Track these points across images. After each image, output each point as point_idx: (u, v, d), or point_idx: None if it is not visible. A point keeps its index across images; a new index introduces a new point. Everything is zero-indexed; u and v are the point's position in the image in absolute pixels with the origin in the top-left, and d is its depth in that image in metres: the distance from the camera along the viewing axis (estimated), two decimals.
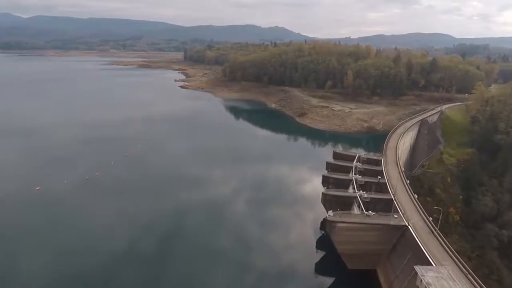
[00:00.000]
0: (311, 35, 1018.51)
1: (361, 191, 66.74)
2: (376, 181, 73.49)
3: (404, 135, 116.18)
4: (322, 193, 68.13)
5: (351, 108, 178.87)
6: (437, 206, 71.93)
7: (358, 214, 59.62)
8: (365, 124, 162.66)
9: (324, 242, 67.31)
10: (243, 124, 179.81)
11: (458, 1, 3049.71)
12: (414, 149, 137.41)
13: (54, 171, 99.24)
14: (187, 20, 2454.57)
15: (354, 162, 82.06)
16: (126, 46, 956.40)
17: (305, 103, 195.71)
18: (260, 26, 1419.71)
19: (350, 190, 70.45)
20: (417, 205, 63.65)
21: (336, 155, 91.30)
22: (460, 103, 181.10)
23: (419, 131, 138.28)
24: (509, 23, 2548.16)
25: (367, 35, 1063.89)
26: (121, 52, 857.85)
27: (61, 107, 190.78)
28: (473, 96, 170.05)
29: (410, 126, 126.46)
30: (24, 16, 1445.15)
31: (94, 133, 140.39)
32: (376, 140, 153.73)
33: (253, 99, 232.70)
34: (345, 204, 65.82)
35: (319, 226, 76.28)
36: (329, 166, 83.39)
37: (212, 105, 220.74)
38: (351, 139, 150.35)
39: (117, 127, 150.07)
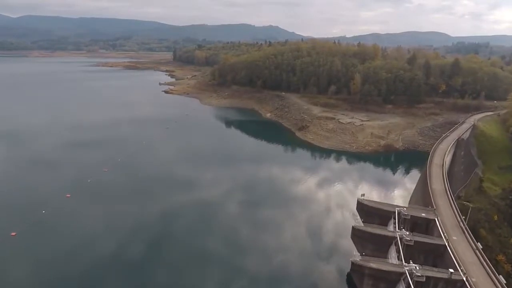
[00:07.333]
0: (305, 34, 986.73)
1: None
2: (445, 277, 43.00)
3: (444, 166, 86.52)
4: None
5: (362, 120, 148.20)
6: (483, 253, 48.59)
7: None
8: (382, 142, 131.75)
9: None
10: (229, 143, 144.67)
11: None
12: (448, 176, 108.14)
13: None
14: (180, 20, 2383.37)
15: (396, 229, 51.96)
16: (115, 46, 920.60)
17: (305, 113, 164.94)
18: (254, 25, 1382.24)
19: None
20: None
21: (362, 208, 61.30)
22: (491, 112, 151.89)
23: (454, 154, 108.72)
24: (500, 22, 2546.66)
25: (362, 34, 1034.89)
26: (110, 52, 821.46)
27: None
28: (509, 104, 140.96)
29: (446, 152, 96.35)
30: (13, 16, 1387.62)
31: (24, 165, 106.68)
32: (398, 163, 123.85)
33: (245, 107, 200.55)
34: None
35: None
36: (358, 235, 53.27)
37: (195, 115, 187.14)
38: (368, 163, 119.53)
39: (55, 157, 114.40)
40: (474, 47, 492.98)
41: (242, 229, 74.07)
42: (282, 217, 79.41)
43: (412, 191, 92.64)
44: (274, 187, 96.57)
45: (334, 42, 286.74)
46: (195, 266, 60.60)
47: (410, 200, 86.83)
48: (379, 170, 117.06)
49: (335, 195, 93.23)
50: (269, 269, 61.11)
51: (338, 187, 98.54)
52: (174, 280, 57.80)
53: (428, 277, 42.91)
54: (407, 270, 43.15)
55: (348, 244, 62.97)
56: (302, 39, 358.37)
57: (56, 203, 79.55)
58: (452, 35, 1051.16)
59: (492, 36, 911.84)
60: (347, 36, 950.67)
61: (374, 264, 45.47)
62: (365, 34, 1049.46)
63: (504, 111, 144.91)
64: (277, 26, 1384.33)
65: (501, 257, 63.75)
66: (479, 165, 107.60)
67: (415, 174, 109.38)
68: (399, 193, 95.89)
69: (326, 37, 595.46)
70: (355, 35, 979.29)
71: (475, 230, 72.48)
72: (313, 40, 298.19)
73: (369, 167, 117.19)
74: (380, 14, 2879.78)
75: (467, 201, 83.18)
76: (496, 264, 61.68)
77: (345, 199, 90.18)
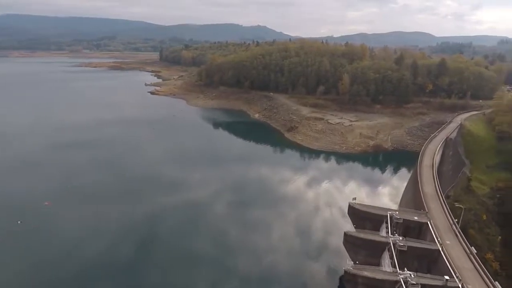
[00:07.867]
0: (293, 34, 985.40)
1: None
2: (441, 284, 41.72)
3: (434, 167, 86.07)
4: None
5: (351, 120, 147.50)
6: (478, 258, 48.52)
7: None
8: (371, 142, 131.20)
9: None
10: (217, 144, 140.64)
11: (433, 0, 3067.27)
12: (437, 175, 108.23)
13: None
14: (166, 19, 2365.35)
15: (389, 234, 50.68)
16: (100, 46, 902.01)
17: (294, 114, 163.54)
18: (241, 25, 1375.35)
19: None
20: None
21: (354, 212, 59.81)
22: (477, 111, 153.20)
23: (443, 153, 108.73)
24: (482, 22, 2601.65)
25: (349, 34, 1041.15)
26: (94, 52, 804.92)
27: None
28: (495, 103, 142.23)
29: (435, 152, 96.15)
30: None
31: (8, 165, 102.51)
32: (387, 163, 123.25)
33: (233, 108, 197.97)
34: None
35: None
36: (350, 242, 51.68)
37: (182, 117, 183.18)
38: (357, 163, 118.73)
39: (38, 159, 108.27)
40: (458, 47, 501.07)
41: (231, 230, 72.81)
42: (270, 219, 77.81)
43: (402, 192, 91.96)
44: (263, 188, 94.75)
45: (322, 42, 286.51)
46: (185, 267, 59.93)
47: (400, 201, 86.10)
48: (369, 170, 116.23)
49: (325, 196, 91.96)
50: (259, 270, 60.39)
51: (327, 188, 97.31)
52: (163, 281, 56.83)
53: (423, 285, 41.57)
54: (402, 278, 41.75)
55: (337, 245, 62.10)
56: (290, 39, 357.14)
57: (35, 209, 75.96)
58: (436, 35, 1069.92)
59: (474, 36, 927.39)
60: (335, 36, 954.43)
61: (368, 272, 43.89)
62: (352, 34, 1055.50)
63: (490, 110, 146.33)
64: (264, 26, 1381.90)
65: (489, 256, 64.02)
66: (466, 164, 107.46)
67: (404, 174, 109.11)
68: (389, 194, 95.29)
69: (314, 37, 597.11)
70: (343, 35, 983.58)
71: (465, 230, 72.50)
72: (301, 40, 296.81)
73: (358, 167, 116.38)
74: (366, 14, 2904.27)
75: (457, 201, 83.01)
76: (484, 263, 61.91)
77: (335, 200, 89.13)
